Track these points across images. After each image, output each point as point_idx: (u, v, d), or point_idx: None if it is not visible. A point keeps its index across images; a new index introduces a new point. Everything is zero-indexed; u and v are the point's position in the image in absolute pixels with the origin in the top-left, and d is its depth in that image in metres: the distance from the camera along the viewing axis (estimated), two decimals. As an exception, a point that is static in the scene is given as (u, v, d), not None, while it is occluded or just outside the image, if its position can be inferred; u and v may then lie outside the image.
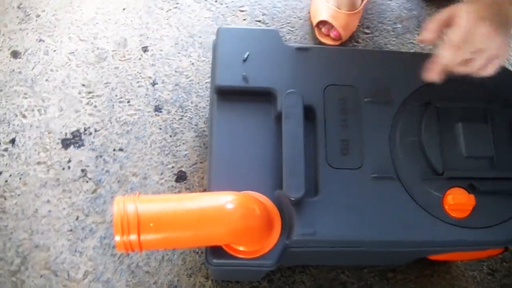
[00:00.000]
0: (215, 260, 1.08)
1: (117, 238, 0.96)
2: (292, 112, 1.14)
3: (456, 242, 1.14)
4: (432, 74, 1.15)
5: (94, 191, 1.36)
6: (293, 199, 1.08)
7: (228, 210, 1.02)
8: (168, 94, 1.48)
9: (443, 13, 1.12)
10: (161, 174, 1.39)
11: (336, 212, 1.11)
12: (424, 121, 1.19)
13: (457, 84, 1.24)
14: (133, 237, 0.96)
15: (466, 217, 1.13)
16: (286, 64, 1.22)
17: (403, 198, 1.14)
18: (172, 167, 1.40)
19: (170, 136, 1.43)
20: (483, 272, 1.41)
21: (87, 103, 1.44)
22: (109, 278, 1.29)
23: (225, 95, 1.20)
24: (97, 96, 1.45)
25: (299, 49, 1.25)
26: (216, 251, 1.07)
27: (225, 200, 1.03)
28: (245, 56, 1.21)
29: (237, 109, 1.19)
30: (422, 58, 1.30)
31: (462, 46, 1.10)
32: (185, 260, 1.32)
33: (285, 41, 1.47)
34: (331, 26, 1.57)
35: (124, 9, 1.57)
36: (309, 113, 1.18)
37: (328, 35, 1.59)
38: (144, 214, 0.97)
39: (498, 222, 1.14)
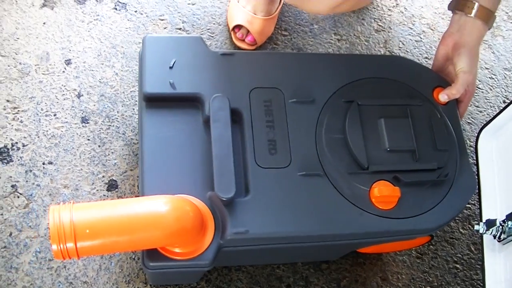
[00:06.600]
0: (151, 263, 1.09)
1: (54, 247, 0.96)
2: (219, 116, 1.17)
3: (385, 233, 1.18)
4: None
5: (26, 206, 1.35)
6: (224, 199, 1.10)
7: (162, 213, 1.03)
8: (94, 105, 1.48)
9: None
10: (92, 184, 1.39)
11: (267, 210, 1.13)
12: (348, 119, 1.22)
13: (378, 83, 1.29)
14: (69, 245, 0.96)
15: (393, 208, 1.18)
16: (211, 69, 1.24)
17: (331, 194, 1.17)
18: (103, 176, 1.41)
19: (99, 146, 1.43)
20: (412, 256, 1.47)
21: (13, 119, 1.43)
22: (47, 291, 1.29)
23: (153, 102, 1.21)
24: (22, 111, 1.44)
25: (224, 54, 1.27)
26: (153, 254, 1.09)
27: (159, 203, 1.05)
28: (172, 63, 1.23)
29: (165, 115, 1.20)
30: (342, 58, 1.35)
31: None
32: (122, 267, 1.33)
33: (207, 47, 1.49)
34: (247, 31, 1.59)
35: (44, 23, 1.56)
36: (236, 116, 1.20)
37: (243, 40, 1.61)
38: (80, 222, 0.97)
39: (423, 212, 1.19)
